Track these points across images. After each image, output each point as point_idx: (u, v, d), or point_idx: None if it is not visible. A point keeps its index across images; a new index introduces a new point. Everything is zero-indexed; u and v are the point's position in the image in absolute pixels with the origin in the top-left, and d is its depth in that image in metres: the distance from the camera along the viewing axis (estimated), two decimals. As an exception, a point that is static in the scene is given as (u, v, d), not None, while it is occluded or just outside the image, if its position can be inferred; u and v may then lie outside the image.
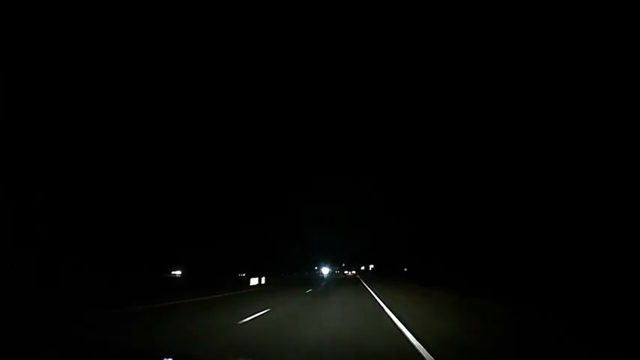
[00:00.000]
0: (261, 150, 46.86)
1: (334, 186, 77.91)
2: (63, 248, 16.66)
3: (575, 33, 16.22)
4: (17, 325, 8.05)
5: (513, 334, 7.34)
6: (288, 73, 45.78)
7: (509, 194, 20.89)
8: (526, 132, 19.49)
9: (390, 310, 10.57)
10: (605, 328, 7.49)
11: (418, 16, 27.41)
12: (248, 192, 39.10)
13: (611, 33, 14.55)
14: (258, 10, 28.21)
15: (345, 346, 6.22)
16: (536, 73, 18.69)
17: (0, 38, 14.79)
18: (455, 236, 29.59)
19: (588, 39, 15.63)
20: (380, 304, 12.59)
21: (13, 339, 5.98)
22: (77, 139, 19.20)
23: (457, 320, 9.02)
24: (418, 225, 39.72)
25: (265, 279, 31.07)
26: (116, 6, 20.43)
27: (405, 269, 42.34)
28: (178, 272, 32.26)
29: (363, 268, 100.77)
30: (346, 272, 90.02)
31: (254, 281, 28.44)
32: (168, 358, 3.76)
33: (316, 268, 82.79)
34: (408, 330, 7.33)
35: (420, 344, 6.04)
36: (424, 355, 5.39)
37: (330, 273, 78.07)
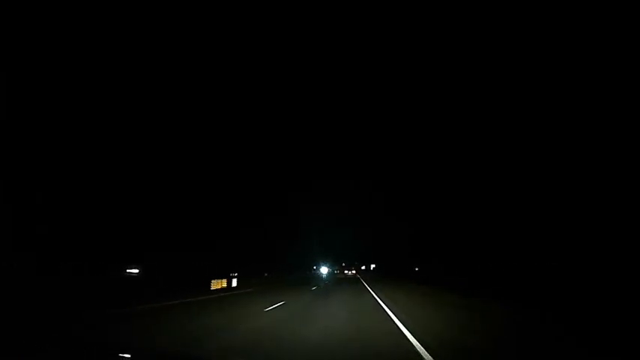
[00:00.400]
0: (261, 150, 46.65)
1: (334, 186, 77.77)
2: (63, 248, 16.64)
3: (575, 33, 16.22)
4: (17, 325, 8.04)
5: (513, 334, 7.34)
6: (288, 74, 45.61)
7: (508, 194, 20.89)
8: (526, 132, 19.48)
9: (391, 311, 10.57)
10: (605, 328, 7.49)
11: (418, 16, 27.34)
12: (248, 192, 39.05)
13: (611, 33, 14.55)
14: (257, 10, 28.13)
15: (345, 346, 6.23)
16: (536, 73, 18.68)
17: (0, 38, 14.79)
18: (455, 236, 29.57)
19: (588, 39, 15.63)
20: (380, 304, 12.57)
21: (13, 339, 5.98)
22: (77, 139, 19.20)
23: (457, 320, 9.02)
24: (418, 225, 39.74)
25: (237, 281, 25.31)
26: (116, 6, 20.40)
27: (416, 269, 42.06)
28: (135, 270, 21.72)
29: (363, 267, 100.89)
30: (346, 272, 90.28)
31: (218, 284, 22.47)
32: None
33: (315, 267, 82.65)
34: (408, 330, 7.33)
35: (419, 344, 6.04)
36: (424, 356, 5.39)
37: (329, 273, 77.96)
